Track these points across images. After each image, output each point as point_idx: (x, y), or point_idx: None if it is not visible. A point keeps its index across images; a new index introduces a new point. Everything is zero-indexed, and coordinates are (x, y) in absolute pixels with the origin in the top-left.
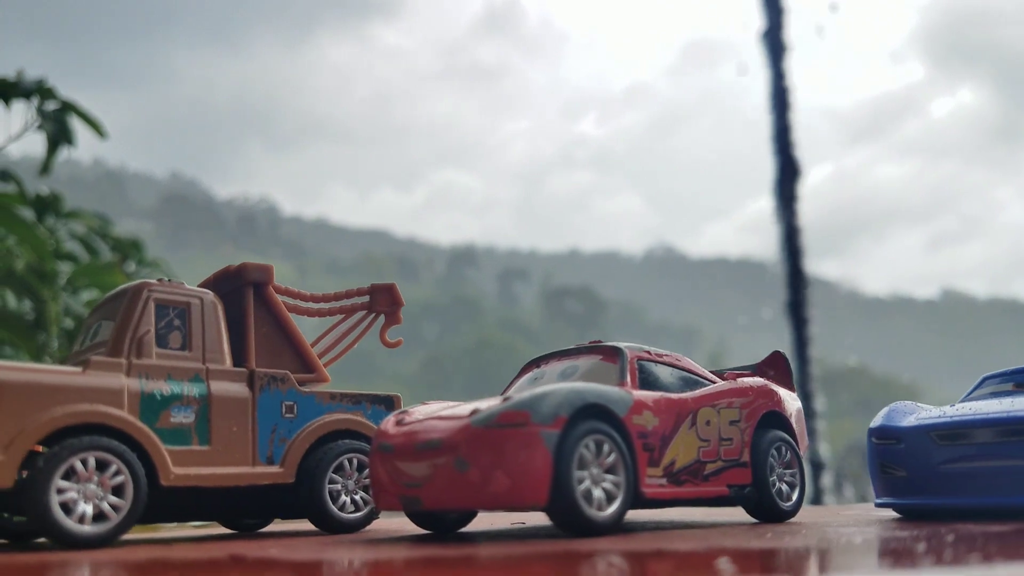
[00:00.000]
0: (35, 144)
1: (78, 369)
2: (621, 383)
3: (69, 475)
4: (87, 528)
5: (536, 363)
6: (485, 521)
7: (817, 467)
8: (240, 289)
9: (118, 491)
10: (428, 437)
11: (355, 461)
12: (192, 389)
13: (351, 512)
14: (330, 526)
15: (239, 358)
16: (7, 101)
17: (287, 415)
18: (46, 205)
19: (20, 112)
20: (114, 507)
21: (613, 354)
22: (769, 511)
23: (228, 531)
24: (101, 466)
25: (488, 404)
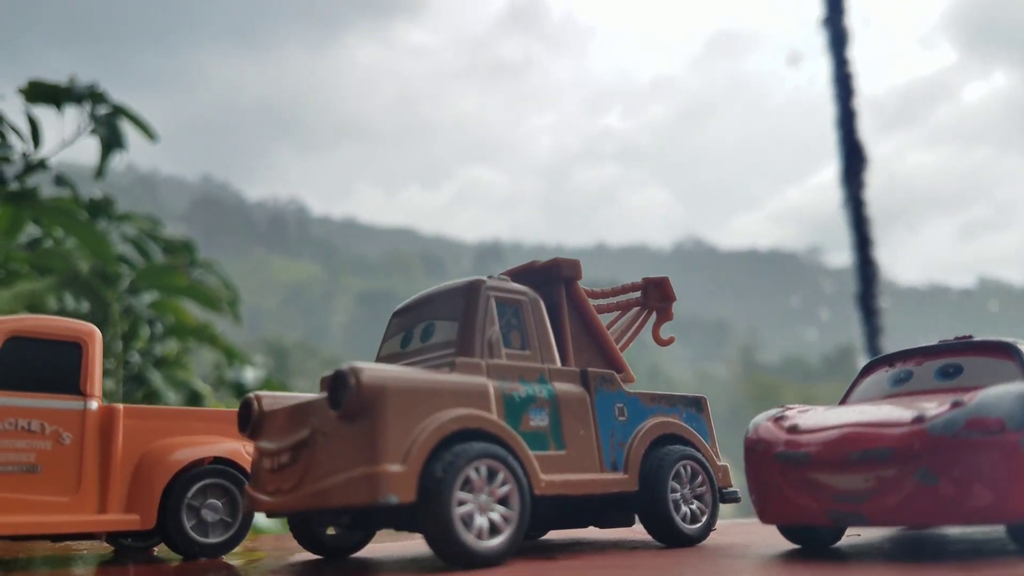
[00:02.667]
0: (78, 151)
1: (445, 371)
2: None
3: (464, 486)
4: (484, 544)
5: (887, 363)
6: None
7: None
8: (550, 285)
9: (503, 502)
10: (869, 446)
11: (689, 468)
12: (541, 390)
13: (690, 524)
14: (674, 538)
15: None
16: (59, 106)
17: (619, 417)
18: (99, 208)
19: (67, 118)
20: (504, 519)
21: (1002, 350)
22: None
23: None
24: (488, 475)
25: (921, 406)
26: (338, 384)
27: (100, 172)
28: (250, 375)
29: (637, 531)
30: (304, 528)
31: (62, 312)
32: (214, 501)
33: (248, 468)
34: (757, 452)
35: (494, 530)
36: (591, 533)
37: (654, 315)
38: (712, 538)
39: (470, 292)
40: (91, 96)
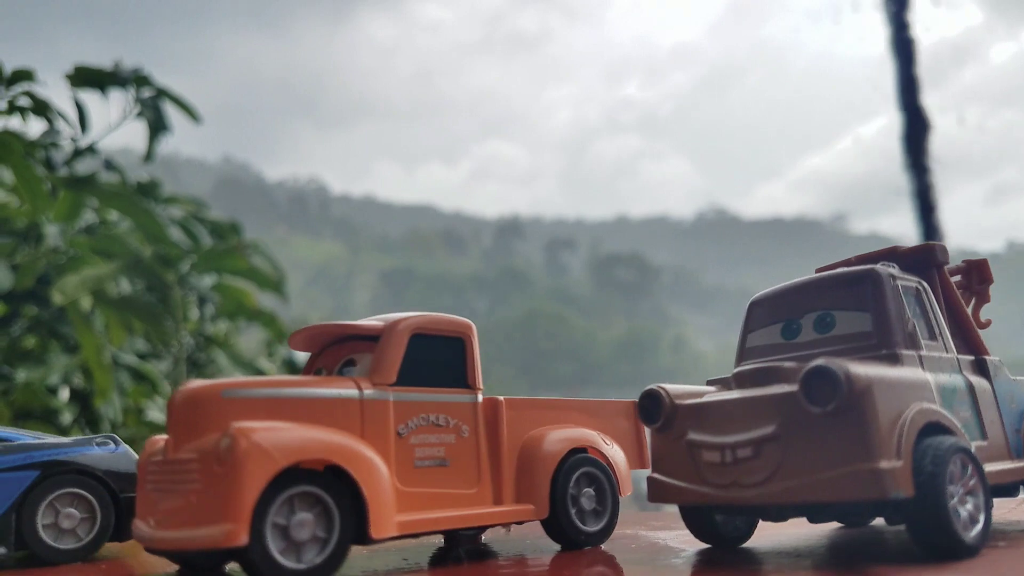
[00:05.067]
0: (117, 134)
1: (888, 364)
2: None
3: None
4: (969, 535)
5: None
6: None
7: None
8: (921, 270)
9: (971, 493)
10: None
11: None
12: (959, 381)
13: None
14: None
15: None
16: (104, 90)
17: (1012, 405)
18: (147, 192)
19: (111, 102)
20: (975, 510)
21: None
22: None
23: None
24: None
25: None
26: (822, 380)
27: (149, 155)
28: (301, 353)
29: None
30: (697, 517)
31: (122, 295)
32: (588, 490)
33: (607, 458)
34: None
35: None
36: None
37: (973, 299)
38: None
39: (876, 281)
40: (136, 80)
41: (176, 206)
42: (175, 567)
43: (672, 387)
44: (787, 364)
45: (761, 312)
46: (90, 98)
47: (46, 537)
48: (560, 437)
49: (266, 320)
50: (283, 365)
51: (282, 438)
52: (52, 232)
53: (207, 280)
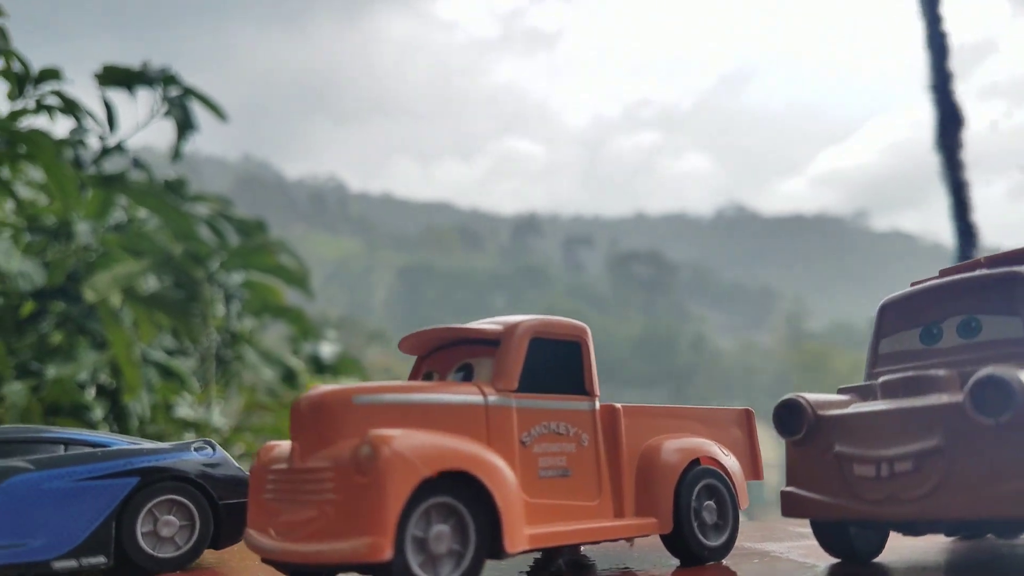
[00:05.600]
0: (143, 133)
1: None
2: None
3: None
4: None
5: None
6: None
7: None
8: None
9: None
10: None
11: None
12: None
13: None
14: None
15: None
16: (131, 89)
17: None
18: (174, 190)
19: (138, 101)
20: None
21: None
22: None
23: None
24: None
25: None
26: (993, 390)
27: (177, 154)
28: (327, 350)
29: None
30: (832, 531)
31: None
32: (709, 503)
33: (725, 469)
34: None
35: None
36: None
37: None
38: None
39: (1021, 283)
40: (164, 79)
41: (202, 204)
42: None
43: (811, 396)
44: (940, 372)
45: (894, 316)
46: (115, 97)
47: (145, 545)
48: (680, 447)
49: (293, 317)
50: (309, 361)
51: (422, 446)
52: (83, 230)
53: (236, 277)
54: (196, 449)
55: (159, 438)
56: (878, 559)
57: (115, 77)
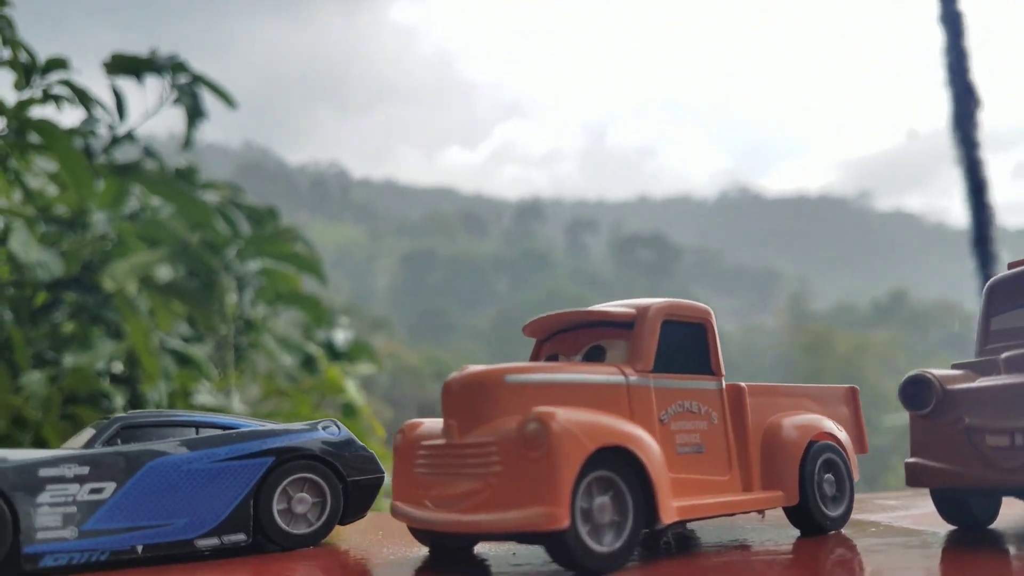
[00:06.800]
0: (151, 121)
1: None
2: None
3: None
4: None
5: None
6: None
7: None
8: None
9: None
10: None
11: None
12: None
13: None
14: None
15: None
16: (140, 77)
17: None
18: (184, 177)
19: (147, 89)
20: None
21: None
22: None
23: None
24: None
25: None
26: None
27: (188, 142)
28: (340, 336)
29: None
30: (951, 499)
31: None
32: (828, 475)
33: (841, 443)
34: None
35: None
36: None
37: None
38: None
39: None
40: (172, 67)
41: (213, 192)
42: (420, 548)
43: (938, 372)
44: None
45: (1004, 295)
46: (124, 86)
47: (281, 522)
48: (801, 423)
49: (310, 305)
50: (325, 347)
51: (585, 423)
52: (99, 219)
53: (252, 265)
54: (323, 428)
55: None
56: (991, 526)
57: (124, 65)
